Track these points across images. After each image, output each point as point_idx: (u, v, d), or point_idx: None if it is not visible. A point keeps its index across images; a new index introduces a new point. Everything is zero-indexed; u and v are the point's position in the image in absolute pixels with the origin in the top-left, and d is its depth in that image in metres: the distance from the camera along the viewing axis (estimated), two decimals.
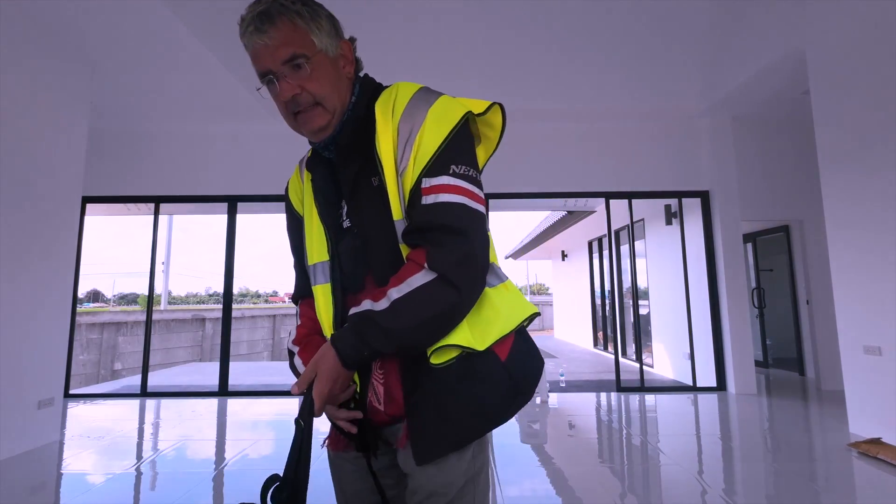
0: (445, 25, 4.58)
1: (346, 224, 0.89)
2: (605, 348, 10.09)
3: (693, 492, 2.59)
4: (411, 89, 0.84)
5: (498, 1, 4.37)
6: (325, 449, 0.95)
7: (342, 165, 0.89)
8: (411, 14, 4.44)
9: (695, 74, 5.28)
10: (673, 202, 6.16)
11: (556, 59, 4.99)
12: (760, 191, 5.60)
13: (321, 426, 0.83)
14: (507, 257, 17.03)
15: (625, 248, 8.07)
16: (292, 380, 0.91)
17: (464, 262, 0.74)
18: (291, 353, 0.99)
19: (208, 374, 7.74)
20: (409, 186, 0.78)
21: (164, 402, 5.16)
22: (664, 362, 6.77)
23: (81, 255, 5.35)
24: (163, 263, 21.48)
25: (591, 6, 4.45)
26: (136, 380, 6.61)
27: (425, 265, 0.73)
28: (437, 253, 0.73)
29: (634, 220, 7.26)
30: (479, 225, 0.77)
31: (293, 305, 1.06)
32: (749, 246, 7.48)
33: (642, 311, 7.62)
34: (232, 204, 5.76)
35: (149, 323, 5.74)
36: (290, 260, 1.04)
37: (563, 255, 13.58)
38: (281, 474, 0.72)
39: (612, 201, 5.92)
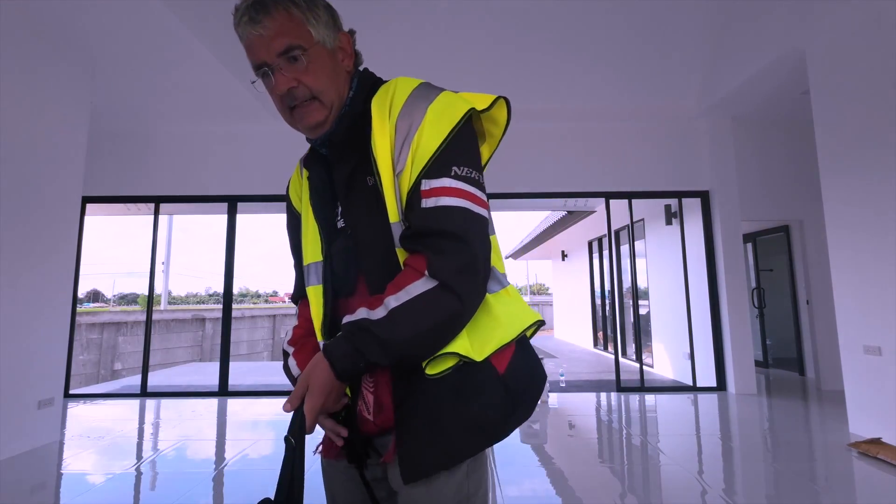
0: (445, 25, 4.58)
1: (341, 224, 0.85)
2: (605, 348, 10.09)
3: (693, 492, 2.59)
4: (410, 85, 0.79)
5: (498, 1, 4.37)
6: (317, 456, 0.91)
7: (336, 163, 0.85)
8: (410, 14, 4.44)
9: (695, 74, 5.28)
10: (673, 202, 6.16)
11: (556, 59, 4.99)
12: (760, 191, 5.60)
13: (315, 436, 0.78)
14: (507, 257, 16.99)
15: (625, 248, 8.07)
16: None
17: (465, 270, 0.70)
18: (286, 354, 0.95)
19: (208, 374, 7.74)
20: (407, 188, 0.74)
21: (164, 402, 5.16)
22: (664, 362, 6.77)
23: (81, 255, 5.35)
24: (163, 263, 21.49)
25: (590, 6, 4.45)
26: (136, 380, 6.61)
27: (425, 272, 0.69)
28: (437, 260, 0.69)
29: (634, 220, 7.25)
30: (481, 230, 0.74)
31: (293, 305, 1.03)
32: (749, 246, 7.48)
33: (642, 311, 7.62)
34: (232, 204, 5.76)
35: (149, 323, 5.74)
36: (290, 260, 1.02)
37: (563, 255, 13.58)
38: (273, 497, 0.68)
39: (612, 201, 5.92)
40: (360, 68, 0.90)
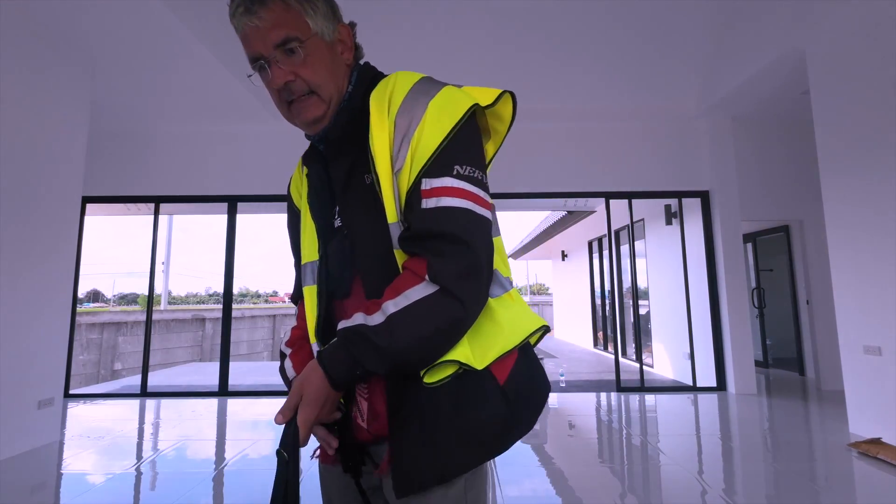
0: (445, 25, 4.59)
1: (338, 223, 0.82)
2: (605, 348, 10.09)
3: (693, 492, 2.59)
4: (411, 79, 0.76)
5: (498, 1, 4.37)
6: (314, 460, 0.89)
7: (333, 160, 0.82)
8: (410, 14, 4.44)
9: (694, 75, 5.28)
10: (673, 202, 6.16)
11: (556, 59, 4.99)
12: (760, 191, 5.60)
13: (312, 442, 0.75)
14: (507, 257, 17.01)
15: (625, 248, 8.07)
16: None
17: (467, 274, 0.66)
18: (283, 356, 0.93)
19: (208, 374, 7.74)
20: (406, 187, 0.70)
21: (164, 402, 5.16)
22: (664, 362, 6.77)
23: (81, 255, 5.35)
24: (163, 263, 21.49)
25: (590, 6, 4.45)
26: (136, 380, 6.61)
27: (425, 277, 0.66)
28: (438, 264, 0.66)
29: (634, 220, 7.26)
30: (484, 232, 0.70)
31: (293, 305, 1.01)
32: (749, 246, 7.48)
33: (642, 311, 7.62)
34: (232, 204, 5.76)
35: (149, 323, 5.74)
36: (290, 259, 0.99)
37: (563, 255, 13.58)
38: None
39: (612, 201, 5.92)
40: (361, 62, 0.87)
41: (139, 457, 3.31)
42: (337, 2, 0.83)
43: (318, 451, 0.86)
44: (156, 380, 7.22)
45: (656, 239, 6.97)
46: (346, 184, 0.79)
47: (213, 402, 5.09)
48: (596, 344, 10.87)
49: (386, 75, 0.82)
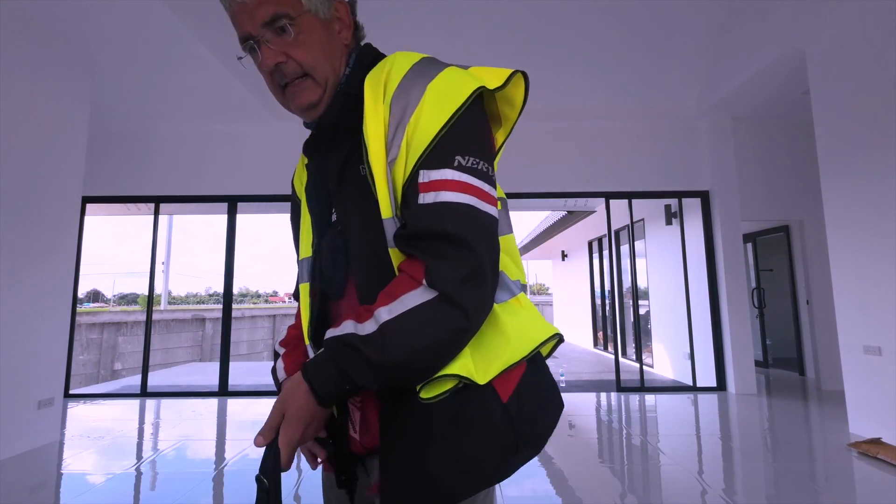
0: (445, 26, 4.59)
1: (334, 218, 0.76)
2: (605, 348, 10.09)
3: (693, 492, 2.59)
4: (409, 60, 0.69)
5: (498, 1, 4.38)
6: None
7: (328, 150, 0.76)
8: (409, 15, 4.44)
9: (695, 74, 5.28)
10: (673, 202, 6.16)
11: (556, 58, 4.99)
12: (760, 191, 5.60)
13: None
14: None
15: (625, 248, 8.07)
16: None
17: (470, 279, 0.59)
18: (277, 355, 0.87)
19: (208, 374, 7.74)
20: (402, 180, 0.63)
21: (164, 402, 5.16)
22: (664, 362, 6.77)
23: (81, 255, 5.35)
24: (163, 263, 21.50)
25: (590, 6, 4.45)
26: (136, 380, 6.61)
27: (423, 281, 0.59)
28: (436, 267, 0.59)
29: (634, 220, 7.25)
30: (488, 231, 0.63)
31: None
32: (749, 246, 7.48)
33: (642, 311, 7.63)
34: (232, 204, 5.76)
35: (149, 323, 5.74)
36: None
37: (563, 255, 13.58)
38: None
39: (612, 201, 5.92)
40: (362, 43, 0.80)
41: (139, 457, 3.31)
42: None
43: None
44: (156, 380, 7.22)
45: (656, 239, 6.97)
46: (340, 176, 0.73)
47: (213, 402, 5.09)
48: (596, 344, 10.87)
49: (386, 56, 0.75)
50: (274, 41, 0.69)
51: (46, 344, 3.62)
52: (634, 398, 5.11)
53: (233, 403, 5.03)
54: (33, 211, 3.51)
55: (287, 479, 2.69)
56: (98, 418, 4.48)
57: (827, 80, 3.85)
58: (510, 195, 5.72)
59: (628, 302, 8.39)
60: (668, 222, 6.31)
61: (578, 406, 4.81)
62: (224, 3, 0.70)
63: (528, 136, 5.67)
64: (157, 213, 5.78)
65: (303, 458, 0.75)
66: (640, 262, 7.56)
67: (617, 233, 7.96)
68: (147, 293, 5.81)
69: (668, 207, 6.32)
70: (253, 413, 4.64)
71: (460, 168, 0.63)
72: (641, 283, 7.61)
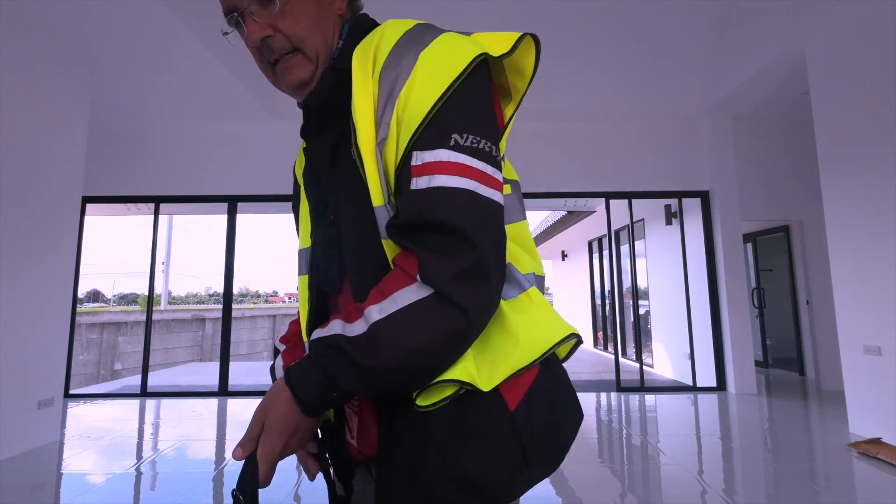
0: (444, 25, 4.59)
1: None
2: (605, 348, 10.09)
3: (693, 492, 2.59)
4: (402, 27, 0.61)
5: (498, 1, 4.38)
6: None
7: (318, 132, 0.69)
8: (408, 14, 4.44)
9: (694, 74, 5.28)
10: (673, 202, 6.16)
11: (556, 58, 4.99)
12: (760, 191, 5.60)
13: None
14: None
15: (625, 248, 8.07)
16: None
17: (469, 275, 0.52)
18: (277, 352, 0.82)
19: (208, 374, 7.74)
20: (394, 163, 0.57)
21: (164, 402, 5.15)
22: (664, 362, 6.77)
23: (81, 255, 5.35)
24: (163, 263, 21.51)
25: (590, 6, 4.45)
26: (136, 380, 6.61)
27: (417, 277, 0.53)
28: (431, 261, 0.52)
29: (634, 220, 7.25)
30: (492, 220, 0.55)
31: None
32: (749, 246, 7.48)
33: (642, 311, 7.63)
34: (232, 204, 5.76)
35: (149, 323, 5.74)
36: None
37: (563, 255, 13.58)
38: None
39: (612, 201, 5.92)
40: (359, 14, 0.72)
41: (139, 457, 3.31)
42: None
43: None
44: (156, 380, 7.22)
45: (656, 239, 6.97)
46: (332, 161, 0.66)
47: (213, 402, 5.09)
48: (596, 344, 10.87)
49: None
50: (259, 13, 0.63)
51: (46, 344, 3.62)
52: (634, 398, 5.11)
53: (233, 403, 5.03)
54: (33, 211, 3.51)
55: (287, 479, 2.69)
56: (98, 418, 4.48)
57: (827, 80, 3.85)
58: None
59: (628, 302, 8.39)
60: (668, 222, 6.31)
61: None
62: None
63: (528, 136, 5.67)
64: (157, 213, 5.78)
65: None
66: (640, 262, 7.56)
67: (617, 233, 7.96)
68: (147, 293, 5.81)
69: (668, 207, 6.32)
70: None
71: (457, 148, 0.55)
72: (641, 283, 7.61)
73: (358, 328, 0.54)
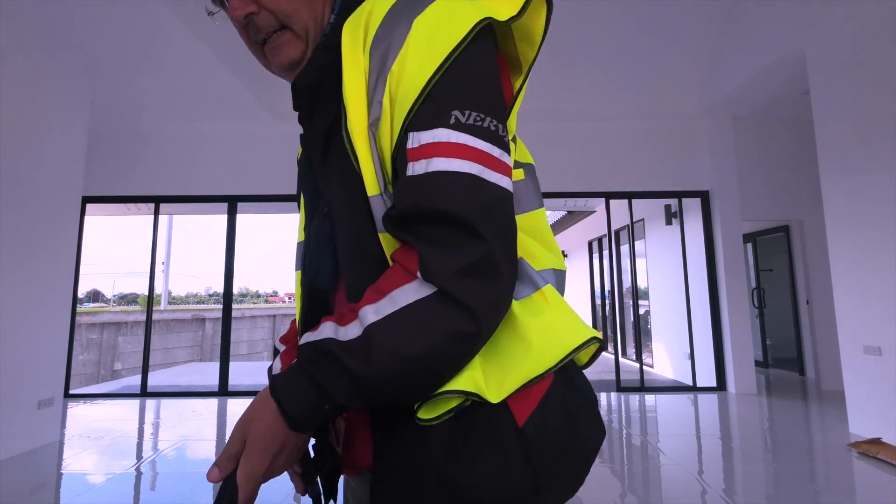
0: None
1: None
2: (605, 348, 10.08)
3: (693, 492, 2.59)
4: None
5: None
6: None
7: (308, 116, 0.63)
8: None
9: (695, 74, 5.28)
10: (673, 202, 6.16)
11: (556, 58, 4.99)
12: (760, 191, 5.60)
13: None
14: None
15: (625, 248, 8.07)
16: None
17: (477, 270, 0.46)
18: (276, 352, 0.77)
19: (208, 374, 7.74)
20: (388, 146, 0.51)
21: (164, 402, 5.16)
22: (664, 362, 6.77)
23: (81, 255, 5.35)
24: (163, 263, 21.51)
25: (591, 6, 4.45)
26: (136, 380, 6.61)
27: (417, 273, 0.47)
28: (433, 255, 0.46)
29: (634, 220, 7.26)
30: (498, 210, 0.48)
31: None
32: (749, 246, 7.48)
33: (642, 311, 7.63)
34: (232, 204, 5.76)
35: (149, 323, 5.74)
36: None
37: (563, 255, 13.56)
38: None
39: (612, 201, 5.92)
40: None
41: (139, 457, 3.31)
42: None
43: None
44: (156, 380, 7.22)
45: (656, 239, 6.97)
46: (324, 147, 0.59)
47: (213, 402, 5.09)
48: None
49: None
50: None
51: (46, 344, 3.62)
52: (634, 398, 5.11)
53: (233, 403, 5.03)
54: (33, 211, 3.51)
55: (287, 478, 2.69)
56: (98, 418, 4.48)
57: (827, 80, 3.85)
58: None
59: (628, 302, 8.39)
60: (668, 222, 6.31)
61: None
62: None
63: (528, 136, 5.64)
64: (156, 213, 5.78)
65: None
66: (640, 262, 7.57)
67: (617, 233, 7.96)
68: (147, 293, 5.81)
69: (668, 207, 6.32)
70: None
71: (458, 126, 0.48)
72: (641, 283, 7.62)
73: (352, 331, 0.48)
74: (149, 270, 5.70)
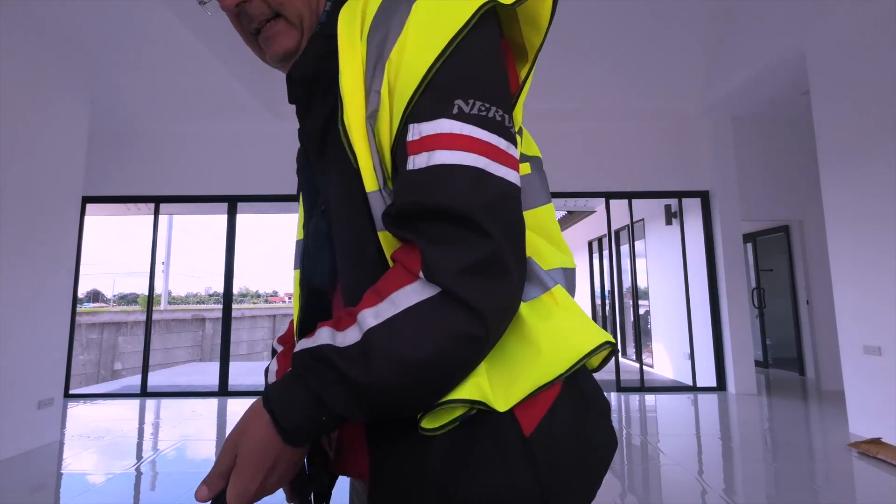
0: None
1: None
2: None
3: (693, 492, 2.59)
4: None
5: None
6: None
7: (305, 109, 0.60)
8: None
9: (695, 74, 5.28)
10: (673, 202, 6.16)
11: (556, 58, 4.99)
12: (760, 191, 5.60)
13: None
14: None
15: (625, 248, 8.07)
16: None
17: (483, 269, 0.43)
18: (274, 353, 0.74)
19: (208, 374, 7.74)
20: (388, 139, 0.48)
21: (164, 402, 5.16)
22: (664, 362, 6.77)
23: (81, 255, 5.35)
24: (163, 263, 21.51)
25: (591, 6, 4.45)
26: (136, 380, 6.60)
27: (419, 273, 0.44)
28: (436, 253, 0.43)
29: (634, 220, 7.25)
30: (505, 205, 0.45)
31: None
32: (749, 246, 7.48)
33: (642, 311, 7.63)
34: (232, 204, 5.76)
35: (149, 323, 5.74)
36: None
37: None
38: None
39: (612, 201, 5.92)
40: None
41: (139, 457, 3.31)
42: None
43: None
44: (156, 380, 7.22)
45: (656, 239, 6.97)
46: (321, 141, 0.57)
47: (213, 402, 5.09)
48: None
49: None
50: None
51: (46, 344, 3.62)
52: (634, 398, 5.11)
53: (233, 403, 5.03)
54: (33, 211, 3.51)
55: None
56: (98, 418, 4.48)
57: (827, 80, 3.85)
58: None
59: (628, 302, 8.39)
60: (668, 222, 6.31)
61: None
62: None
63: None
64: (157, 213, 5.78)
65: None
66: (640, 262, 7.57)
67: (617, 233, 7.96)
68: (147, 293, 5.81)
69: (668, 207, 6.32)
70: None
71: (461, 117, 0.45)
72: (641, 283, 7.61)
73: (350, 337, 0.44)
74: (149, 270, 5.70)
